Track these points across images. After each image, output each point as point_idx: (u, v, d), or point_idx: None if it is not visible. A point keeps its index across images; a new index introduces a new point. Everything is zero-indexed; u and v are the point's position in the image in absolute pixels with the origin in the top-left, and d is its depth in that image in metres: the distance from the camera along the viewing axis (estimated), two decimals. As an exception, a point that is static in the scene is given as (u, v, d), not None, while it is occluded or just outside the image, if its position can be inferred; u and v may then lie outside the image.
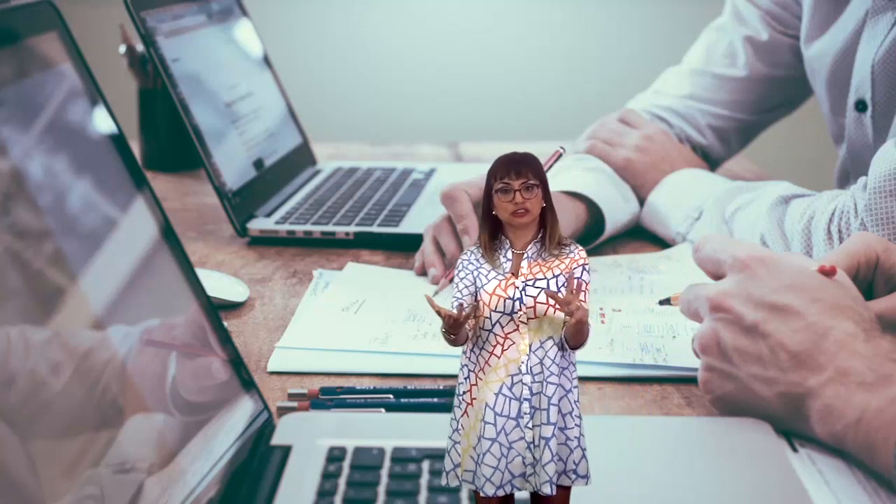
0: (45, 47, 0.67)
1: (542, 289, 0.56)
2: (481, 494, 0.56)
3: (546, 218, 0.58)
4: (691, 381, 0.88)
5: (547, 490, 0.56)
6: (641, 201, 1.32)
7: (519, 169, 0.56)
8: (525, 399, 0.56)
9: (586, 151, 1.37)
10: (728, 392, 0.81)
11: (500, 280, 0.57)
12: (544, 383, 0.56)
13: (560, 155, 1.13)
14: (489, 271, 0.57)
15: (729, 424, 0.80)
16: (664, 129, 1.41)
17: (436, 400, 0.86)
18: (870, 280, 0.88)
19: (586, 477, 0.57)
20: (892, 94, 1.26)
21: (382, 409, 0.85)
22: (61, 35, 0.69)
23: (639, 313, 1.03)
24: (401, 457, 0.72)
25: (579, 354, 0.57)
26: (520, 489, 0.57)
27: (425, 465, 0.71)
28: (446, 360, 0.94)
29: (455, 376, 0.91)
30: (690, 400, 0.87)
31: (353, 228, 1.29)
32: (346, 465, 0.72)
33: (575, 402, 0.57)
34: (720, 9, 1.50)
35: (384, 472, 0.71)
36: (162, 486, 0.64)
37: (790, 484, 0.72)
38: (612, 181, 1.31)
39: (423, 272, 1.16)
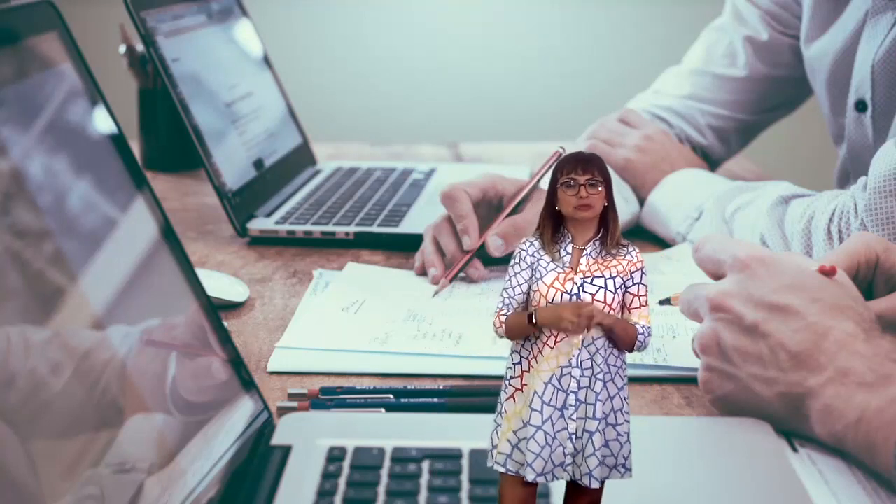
0: (45, 47, 0.67)
1: (600, 287, 0.57)
2: (521, 478, 0.57)
3: (607, 217, 0.59)
4: (691, 381, 0.88)
5: (587, 482, 0.57)
6: (641, 201, 1.32)
7: (586, 166, 0.58)
8: (572, 391, 0.57)
9: (586, 151, 1.37)
10: (728, 392, 0.81)
11: (559, 273, 0.58)
12: (592, 378, 0.57)
13: (560, 155, 1.13)
14: (548, 263, 0.58)
15: (729, 424, 0.80)
16: (664, 129, 1.41)
17: (436, 400, 0.86)
18: (870, 280, 0.88)
19: (630, 469, 0.59)
20: (892, 94, 1.26)
21: (382, 409, 0.85)
22: (61, 35, 0.69)
23: (639, 313, 1.03)
24: (401, 457, 0.72)
25: None
26: (559, 478, 0.58)
27: (425, 465, 0.71)
28: (446, 360, 0.94)
29: (455, 376, 0.92)
30: (690, 400, 0.87)
31: (353, 228, 1.29)
32: (346, 465, 0.72)
33: (626, 398, 0.58)
34: (720, 9, 1.50)
35: (384, 472, 0.71)
36: (162, 486, 0.64)
37: (790, 484, 0.72)
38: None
39: (423, 272, 1.16)
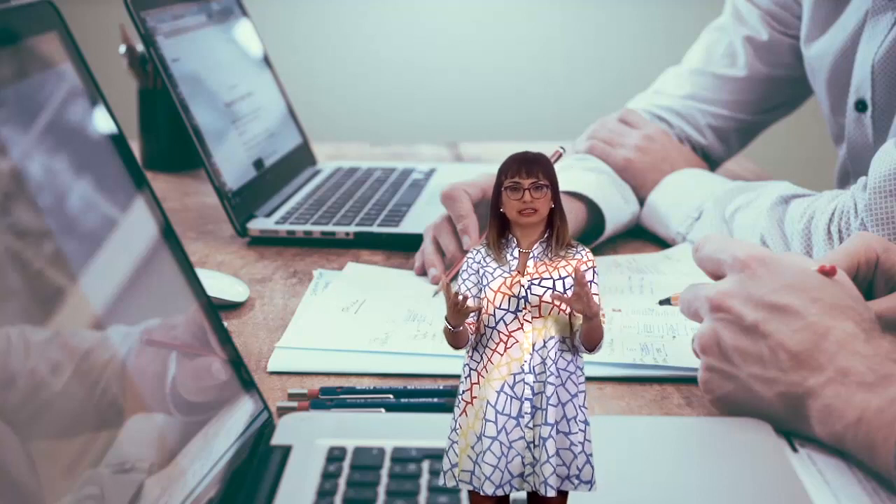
0: (45, 47, 0.67)
1: (548, 288, 0.56)
2: (481, 493, 0.56)
3: (554, 219, 0.58)
4: (691, 381, 0.88)
5: (543, 491, 0.56)
6: (641, 201, 1.32)
7: (530, 168, 0.56)
8: (526, 398, 0.56)
9: (586, 151, 1.37)
10: (728, 392, 0.81)
11: (506, 277, 0.57)
12: (545, 383, 0.56)
13: (560, 155, 1.13)
14: (495, 269, 0.57)
15: (729, 424, 0.80)
16: (664, 130, 1.41)
17: (436, 400, 0.86)
18: (870, 280, 0.88)
19: (590, 483, 0.56)
20: (892, 94, 1.26)
21: (382, 409, 0.85)
22: (61, 35, 0.69)
23: (639, 313, 1.03)
24: (401, 457, 0.72)
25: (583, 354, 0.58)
26: (518, 489, 0.56)
27: (425, 465, 0.71)
28: (446, 360, 0.94)
29: (455, 376, 0.92)
30: (690, 400, 0.87)
31: (353, 228, 1.29)
32: (346, 465, 0.72)
33: (580, 406, 0.56)
34: (720, 9, 1.50)
35: (384, 472, 0.71)
36: (162, 486, 0.64)
37: (790, 484, 0.72)
38: (612, 181, 1.31)
39: (423, 272, 1.16)
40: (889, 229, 1.04)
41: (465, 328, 0.57)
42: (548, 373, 0.56)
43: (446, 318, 0.56)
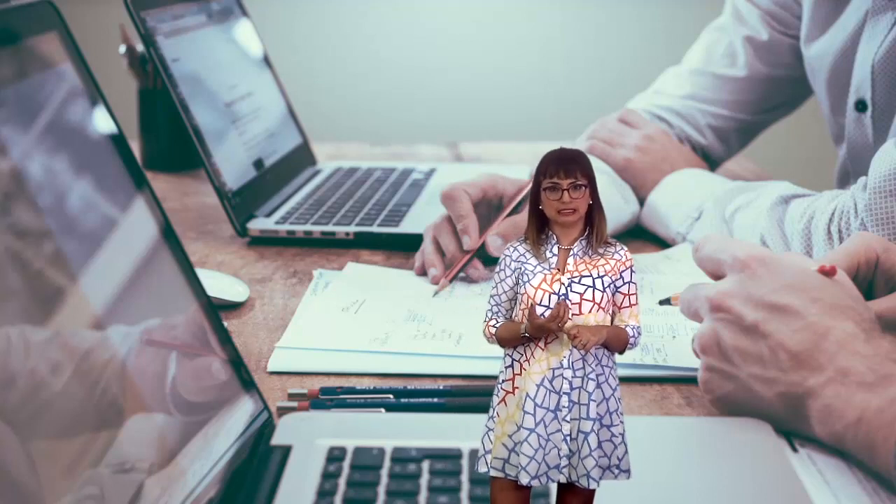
0: (45, 47, 0.67)
1: (588, 286, 0.57)
2: (518, 482, 0.57)
3: (593, 216, 0.58)
4: (691, 381, 0.88)
5: (586, 483, 0.57)
6: (641, 201, 1.32)
7: (568, 167, 0.57)
8: (564, 393, 0.57)
9: (586, 151, 1.37)
10: (728, 392, 0.81)
11: (546, 274, 0.57)
12: (585, 378, 0.57)
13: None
14: (535, 265, 0.58)
15: (729, 424, 0.80)
16: (664, 130, 1.41)
17: (436, 400, 0.86)
18: (870, 280, 0.88)
19: (628, 471, 0.58)
20: (892, 94, 1.26)
21: (382, 409, 0.85)
22: (61, 35, 0.69)
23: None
24: (401, 457, 0.72)
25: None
26: (553, 480, 0.57)
27: (425, 465, 0.71)
28: (446, 360, 0.94)
29: (455, 376, 0.92)
30: (690, 400, 0.87)
31: (353, 228, 1.29)
32: (346, 465, 0.72)
33: (619, 399, 0.58)
34: (720, 9, 1.50)
35: (384, 472, 0.71)
36: (162, 486, 0.64)
37: (790, 484, 0.72)
38: (612, 181, 1.31)
39: (423, 272, 1.16)
40: (889, 229, 1.04)
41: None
42: (588, 369, 0.57)
43: (534, 333, 0.57)
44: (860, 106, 1.30)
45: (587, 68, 2.98)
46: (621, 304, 0.58)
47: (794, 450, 0.78)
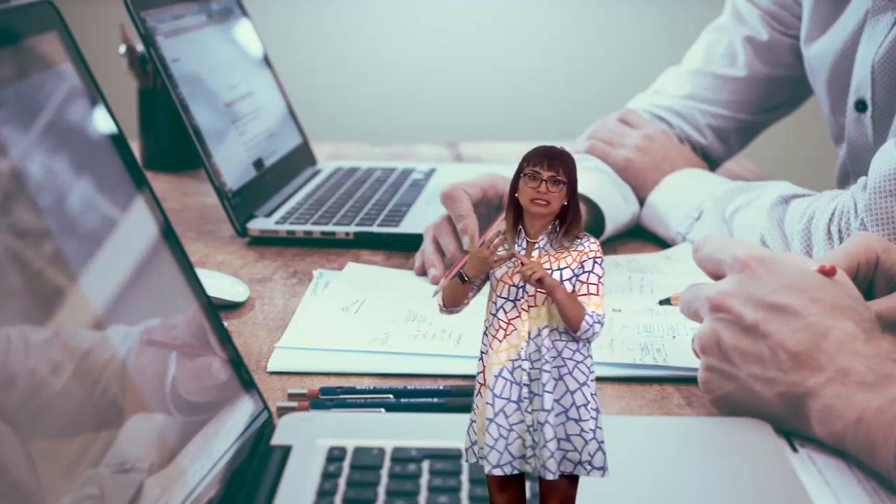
0: (45, 47, 0.67)
1: None
2: (483, 472, 0.58)
3: (567, 215, 0.58)
4: (691, 381, 0.88)
5: (543, 474, 0.57)
6: (641, 201, 1.32)
7: (552, 162, 0.57)
8: (524, 384, 0.57)
9: (586, 151, 1.37)
10: (728, 392, 0.81)
11: (510, 268, 0.58)
12: (541, 370, 0.57)
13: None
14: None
15: (729, 424, 0.80)
16: (664, 130, 1.41)
17: (436, 400, 0.86)
18: (870, 280, 0.88)
19: (602, 469, 0.58)
20: (892, 94, 1.26)
21: (382, 409, 0.85)
22: (61, 35, 0.69)
23: (639, 313, 1.03)
24: (401, 457, 0.72)
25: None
26: (519, 470, 0.58)
27: (425, 465, 0.71)
28: (446, 360, 0.94)
29: (454, 376, 0.92)
30: (690, 400, 0.87)
31: (353, 228, 1.29)
32: (346, 465, 0.72)
33: (592, 394, 0.57)
34: (720, 9, 1.50)
35: (384, 472, 0.71)
36: (162, 486, 0.64)
37: (790, 484, 0.72)
38: (612, 181, 1.31)
39: (423, 272, 1.16)
40: (889, 229, 1.04)
41: (468, 289, 0.59)
42: (542, 360, 0.57)
43: (462, 271, 0.58)
44: (860, 106, 1.30)
45: (587, 68, 2.98)
46: (579, 290, 0.58)
47: (794, 450, 0.78)
